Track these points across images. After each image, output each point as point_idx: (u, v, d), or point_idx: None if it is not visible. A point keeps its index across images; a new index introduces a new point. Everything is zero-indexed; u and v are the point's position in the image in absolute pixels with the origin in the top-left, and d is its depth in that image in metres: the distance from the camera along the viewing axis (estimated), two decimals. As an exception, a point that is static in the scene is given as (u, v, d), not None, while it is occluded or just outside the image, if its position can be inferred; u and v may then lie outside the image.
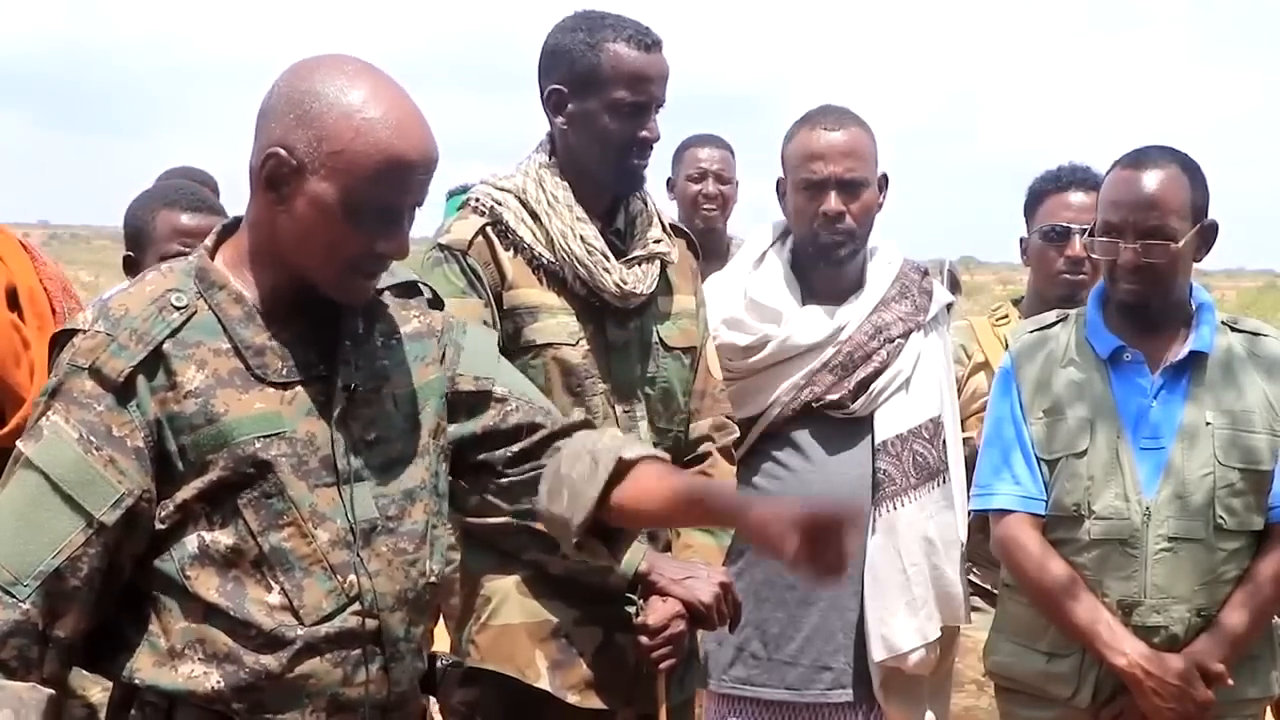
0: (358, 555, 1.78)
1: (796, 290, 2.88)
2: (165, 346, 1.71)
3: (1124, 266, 2.59)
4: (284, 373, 1.76)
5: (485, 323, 2.44)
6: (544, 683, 2.45)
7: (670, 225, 2.68)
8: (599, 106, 2.47)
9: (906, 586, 2.81)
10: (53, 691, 1.68)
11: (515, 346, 2.45)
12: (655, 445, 2.55)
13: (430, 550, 1.87)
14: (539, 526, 2.39)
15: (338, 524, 1.77)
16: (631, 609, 2.47)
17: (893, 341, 2.85)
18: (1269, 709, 2.89)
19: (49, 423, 1.69)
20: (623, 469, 1.90)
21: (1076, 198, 3.31)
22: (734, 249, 4.42)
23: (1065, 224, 3.29)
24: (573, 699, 2.46)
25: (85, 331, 1.72)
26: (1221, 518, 2.58)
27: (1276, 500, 2.61)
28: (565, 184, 2.53)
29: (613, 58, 2.46)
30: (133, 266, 2.90)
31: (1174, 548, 2.57)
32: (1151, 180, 2.58)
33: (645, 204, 2.63)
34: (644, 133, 2.48)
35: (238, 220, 1.84)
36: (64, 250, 29.00)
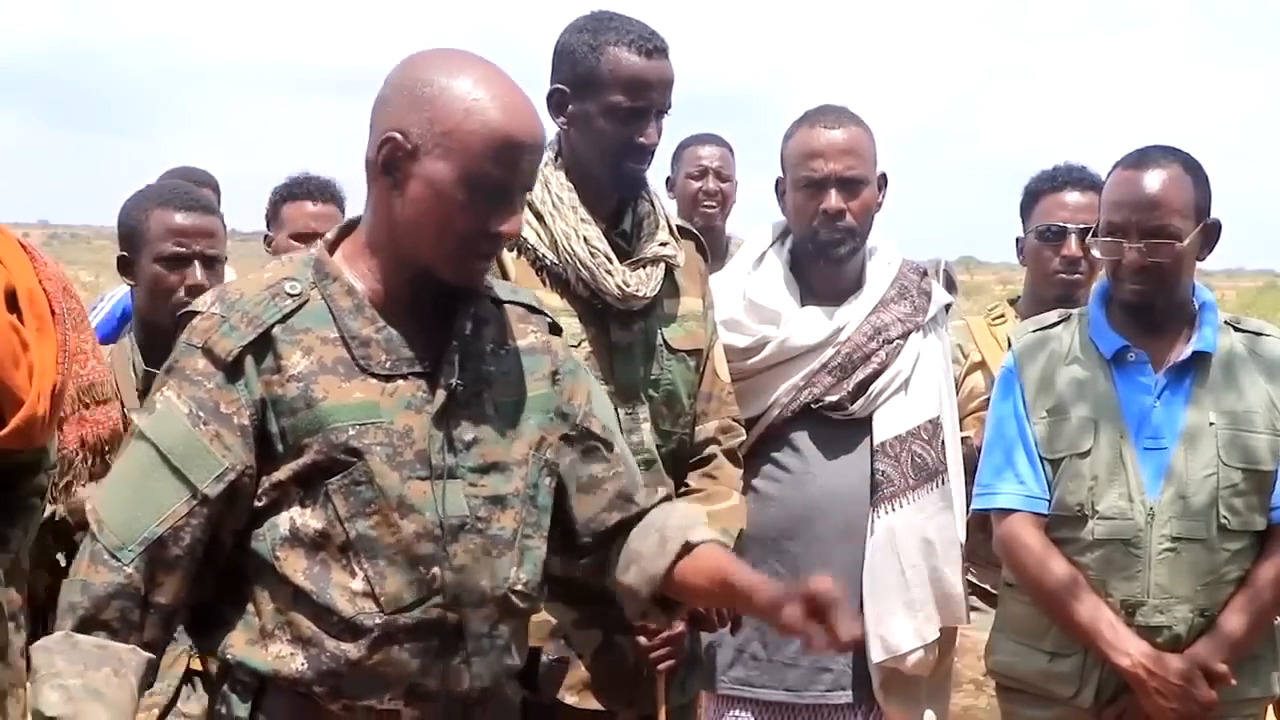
0: (443, 550, 1.80)
1: (795, 291, 2.88)
2: (275, 331, 1.77)
3: (1128, 266, 2.59)
4: (387, 365, 1.81)
5: None
6: None
7: (679, 227, 2.67)
8: (596, 109, 2.47)
9: (905, 587, 2.81)
10: (152, 655, 1.77)
11: None
12: (659, 447, 2.56)
13: (519, 558, 1.88)
14: None
15: (426, 517, 1.79)
16: None
17: (891, 342, 2.85)
18: (1270, 709, 2.88)
19: (162, 397, 1.78)
20: (686, 551, 1.96)
21: (1072, 197, 3.32)
22: (733, 248, 4.42)
23: (1061, 224, 3.29)
24: (571, 700, 2.46)
25: (203, 313, 1.80)
26: (1225, 518, 2.58)
27: (1278, 501, 2.61)
28: (570, 185, 2.53)
29: (612, 61, 2.45)
30: (127, 266, 2.89)
31: (1177, 548, 2.57)
32: (1154, 180, 2.58)
33: (653, 206, 2.62)
34: (640, 138, 2.48)
35: (359, 218, 1.90)
36: (64, 250, 28.99)
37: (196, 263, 2.81)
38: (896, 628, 2.80)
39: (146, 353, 2.83)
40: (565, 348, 2.02)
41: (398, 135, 1.77)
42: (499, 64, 1.86)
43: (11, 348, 2.15)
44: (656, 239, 2.58)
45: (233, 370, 1.76)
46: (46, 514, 2.53)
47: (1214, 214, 2.64)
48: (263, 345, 1.77)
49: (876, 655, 2.80)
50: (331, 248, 1.88)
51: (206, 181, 4.28)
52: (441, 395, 1.82)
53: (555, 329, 2.02)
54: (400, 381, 1.80)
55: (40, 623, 2.76)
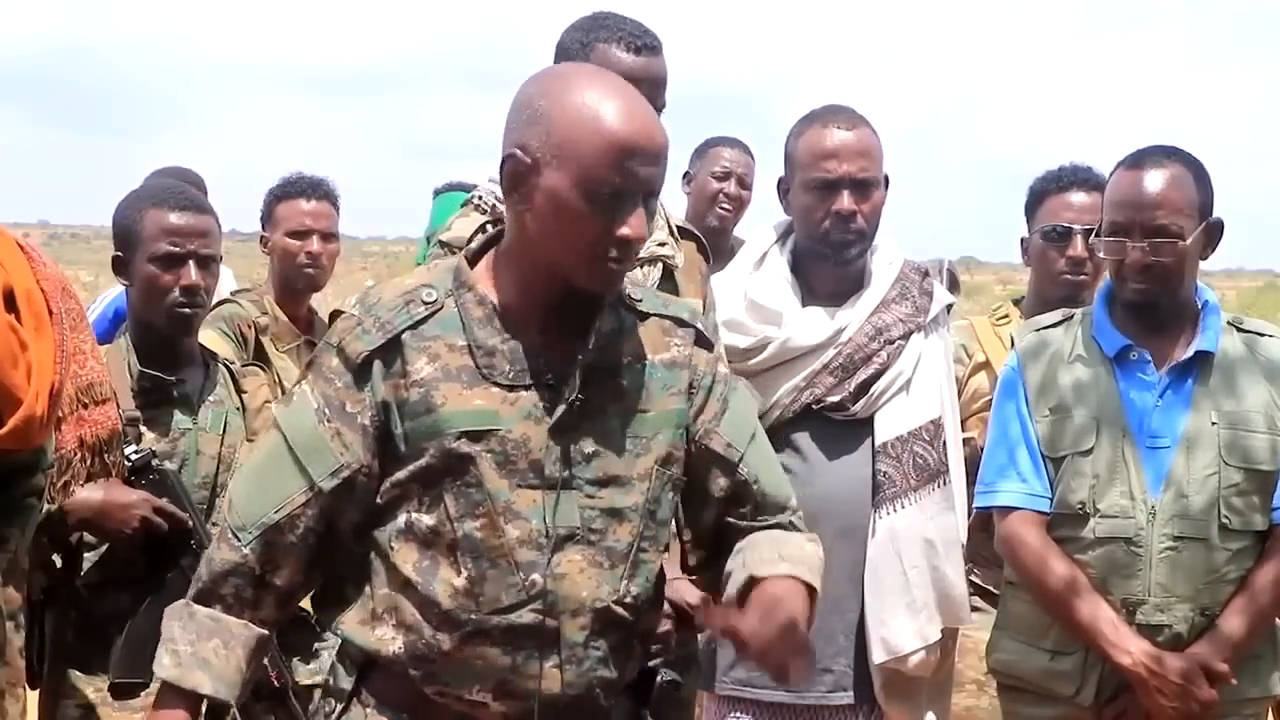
0: (546, 558, 1.84)
1: (797, 291, 2.87)
2: (404, 336, 1.84)
3: (1131, 266, 2.58)
4: (511, 375, 1.86)
5: None
6: None
7: (678, 228, 2.66)
8: None
9: (907, 588, 2.80)
10: (264, 632, 1.89)
11: None
12: None
13: (631, 571, 1.90)
14: None
15: (532, 524, 1.84)
16: None
17: (893, 343, 2.84)
18: (1270, 709, 2.88)
19: (299, 390, 1.89)
20: (752, 583, 1.91)
21: (1078, 198, 3.31)
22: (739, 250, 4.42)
23: (1066, 224, 3.28)
24: None
25: (346, 312, 1.90)
26: (1226, 518, 2.58)
27: (1279, 501, 2.61)
28: None
29: (600, 58, 2.45)
30: (122, 267, 2.88)
31: (1178, 547, 2.57)
32: (1156, 179, 2.57)
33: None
34: None
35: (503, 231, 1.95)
36: (64, 250, 28.98)
37: (191, 262, 2.80)
38: (898, 629, 2.80)
39: (141, 353, 2.82)
40: (711, 361, 2.02)
41: (518, 151, 1.82)
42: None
43: (10, 348, 2.15)
44: (655, 239, 2.57)
45: (361, 371, 1.84)
46: (43, 514, 2.53)
47: (1215, 213, 2.64)
48: (392, 350, 1.84)
49: (878, 656, 2.79)
50: (475, 258, 1.93)
51: (194, 181, 4.27)
52: (561, 408, 1.86)
53: (704, 342, 2.02)
54: (523, 392, 1.86)
55: (38, 622, 2.76)
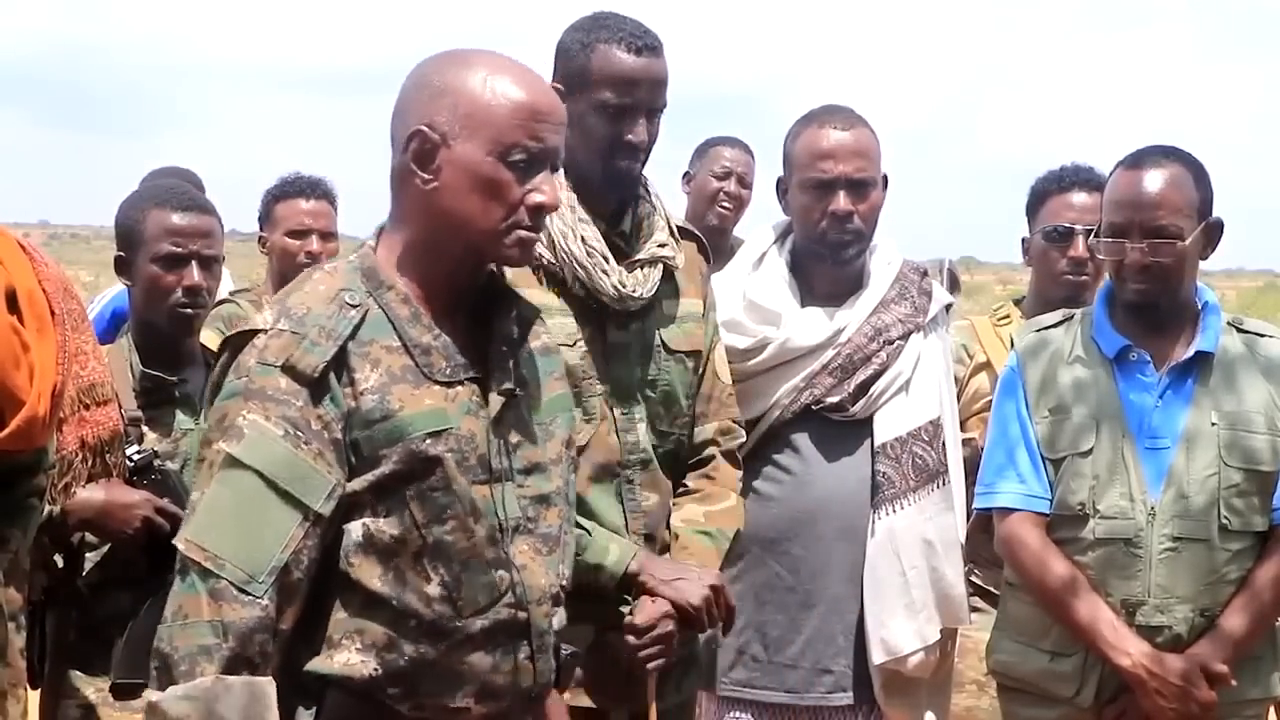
0: (505, 552, 1.85)
1: (796, 292, 2.88)
2: (348, 345, 1.78)
3: (1131, 267, 2.59)
4: (448, 372, 1.83)
5: None
6: None
7: (679, 228, 2.67)
8: (586, 107, 2.47)
9: (906, 589, 2.80)
10: (273, 683, 1.74)
11: None
12: (656, 448, 2.56)
13: (563, 554, 1.96)
14: None
15: (489, 520, 1.84)
16: (625, 609, 2.46)
17: (892, 343, 2.85)
18: (1271, 709, 2.88)
19: (247, 422, 1.74)
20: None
21: (1079, 198, 3.31)
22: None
23: (1068, 224, 3.28)
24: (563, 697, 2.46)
25: (268, 332, 1.77)
26: (1226, 518, 2.58)
27: (1279, 502, 2.61)
28: (569, 184, 2.53)
29: (601, 58, 2.45)
30: (124, 267, 2.88)
31: (1178, 548, 2.58)
32: (1155, 180, 2.58)
33: (654, 207, 2.62)
34: (629, 136, 2.47)
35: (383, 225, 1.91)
36: (64, 250, 29.00)
37: (194, 263, 2.80)
38: (897, 629, 2.80)
39: (144, 353, 2.83)
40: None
41: (424, 128, 1.80)
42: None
43: (12, 349, 2.15)
44: (655, 239, 2.57)
45: (318, 386, 1.76)
46: (44, 514, 2.53)
47: (1215, 213, 2.64)
48: (340, 359, 1.78)
49: (877, 657, 2.80)
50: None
51: (193, 181, 4.28)
52: (497, 400, 1.86)
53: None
54: (459, 387, 1.84)
55: (39, 622, 2.76)
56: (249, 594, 1.70)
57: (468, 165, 1.80)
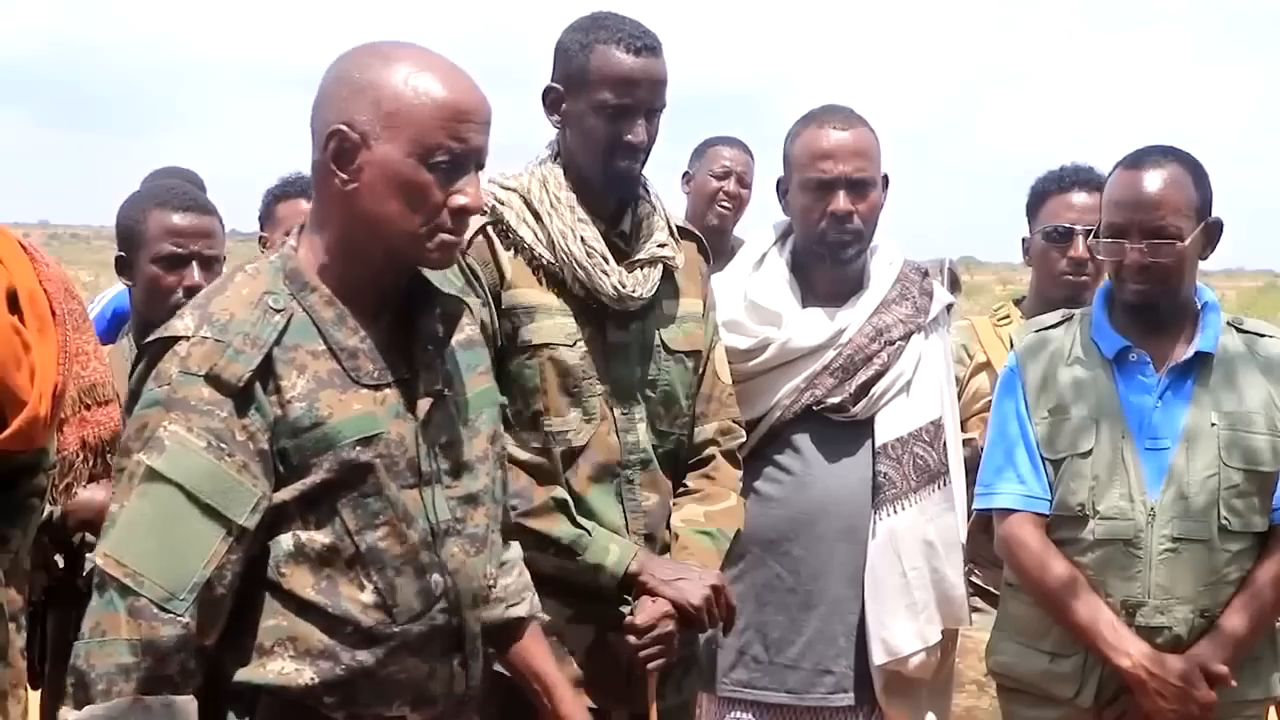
0: (437, 556, 1.82)
1: (797, 292, 2.88)
2: (274, 351, 1.72)
3: (1130, 267, 2.59)
4: (375, 375, 1.79)
5: (484, 322, 2.44)
6: None
7: (679, 228, 2.67)
8: (586, 107, 2.47)
9: (907, 590, 2.80)
10: (194, 702, 1.70)
11: (512, 346, 2.46)
12: (656, 448, 2.57)
13: (490, 554, 1.93)
14: (530, 524, 2.39)
15: (421, 525, 1.81)
16: (626, 609, 2.46)
17: (893, 344, 2.84)
18: (1271, 710, 2.88)
19: (168, 433, 1.67)
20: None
21: (1079, 198, 3.31)
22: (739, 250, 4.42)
23: (1068, 224, 3.28)
24: None
25: (190, 339, 1.71)
26: (1226, 519, 2.58)
27: (1279, 502, 2.61)
28: (569, 184, 2.53)
29: (600, 59, 2.45)
30: (125, 267, 2.89)
31: (1178, 548, 2.57)
32: (1154, 180, 2.58)
33: (654, 207, 2.62)
34: (628, 136, 2.47)
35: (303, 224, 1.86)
36: (64, 250, 29.00)
37: (194, 263, 2.81)
38: (898, 630, 2.80)
39: (145, 353, 2.83)
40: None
41: (343, 127, 1.74)
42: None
43: (13, 349, 2.15)
44: (655, 240, 2.57)
45: (243, 395, 1.70)
46: (45, 514, 2.53)
47: (1215, 213, 2.64)
48: (265, 367, 1.72)
49: (878, 658, 2.79)
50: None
51: (194, 181, 4.28)
52: (425, 401, 1.83)
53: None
54: (387, 390, 1.80)
55: (40, 623, 2.76)
56: (169, 612, 1.64)
57: (388, 167, 1.74)
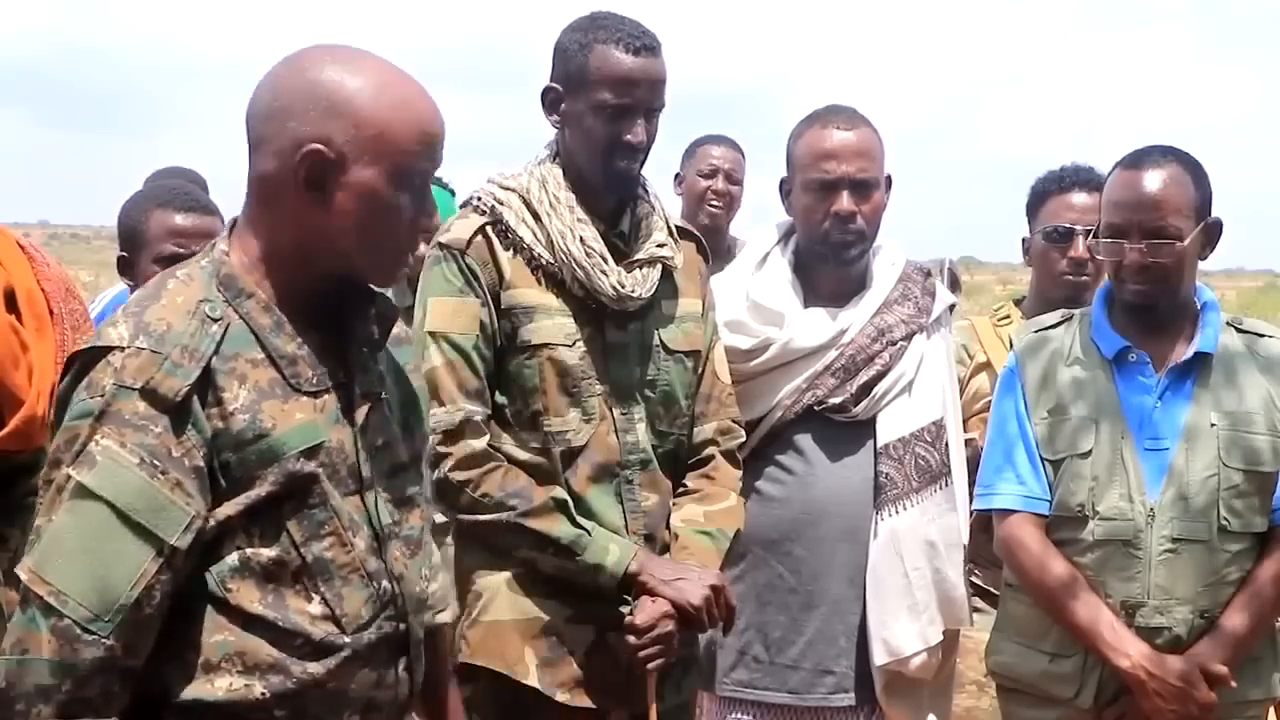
0: (382, 561, 1.79)
1: (799, 292, 2.88)
2: (213, 362, 1.66)
3: (1130, 267, 2.59)
4: (314, 381, 1.75)
5: (483, 323, 2.44)
6: (532, 680, 2.46)
7: (678, 228, 2.67)
8: (585, 107, 2.47)
9: (908, 590, 2.80)
10: None
11: (511, 346, 2.46)
12: (655, 448, 2.57)
13: (427, 555, 1.91)
14: (530, 524, 2.39)
15: (365, 531, 1.78)
16: (626, 609, 2.47)
17: (895, 344, 2.84)
18: (1271, 710, 2.88)
19: (100, 448, 1.61)
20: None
21: (1079, 198, 3.31)
22: (737, 249, 4.41)
23: (1068, 225, 3.28)
24: (561, 697, 2.47)
25: (125, 349, 1.64)
26: (1225, 519, 2.58)
27: (1279, 503, 2.61)
28: (568, 185, 2.53)
29: (599, 59, 2.46)
30: (127, 267, 2.89)
31: (1177, 549, 2.57)
32: (1154, 180, 2.57)
33: (653, 207, 2.62)
34: (627, 136, 2.47)
35: (235, 223, 1.81)
36: (64, 250, 29.02)
37: None
38: (900, 630, 2.79)
39: (147, 353, 2.83)
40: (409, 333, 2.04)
41: (320, 147, 1.68)
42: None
43: (11, 348, 2.15)
44: (654, 239, 2.58)
45: (180, 411, 1.63)
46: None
47: (1214, 213, 2.64)
48: (204, 380, 1.65)
49: (879, 658, 2.79)
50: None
51: (197, 182, 4.28)
52: (364, 406, 1.80)
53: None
54: (326, 396, 1.76)
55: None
56: (92, 633, 1.58)
57: (367, 192, 1.70)
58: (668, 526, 2.61)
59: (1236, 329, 2.69)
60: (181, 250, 2.81)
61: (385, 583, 1.79)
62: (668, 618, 2.45)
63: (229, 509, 1.67)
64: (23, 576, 1.61)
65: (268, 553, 1.69)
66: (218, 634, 1.68)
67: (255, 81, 1.78)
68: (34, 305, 2.24)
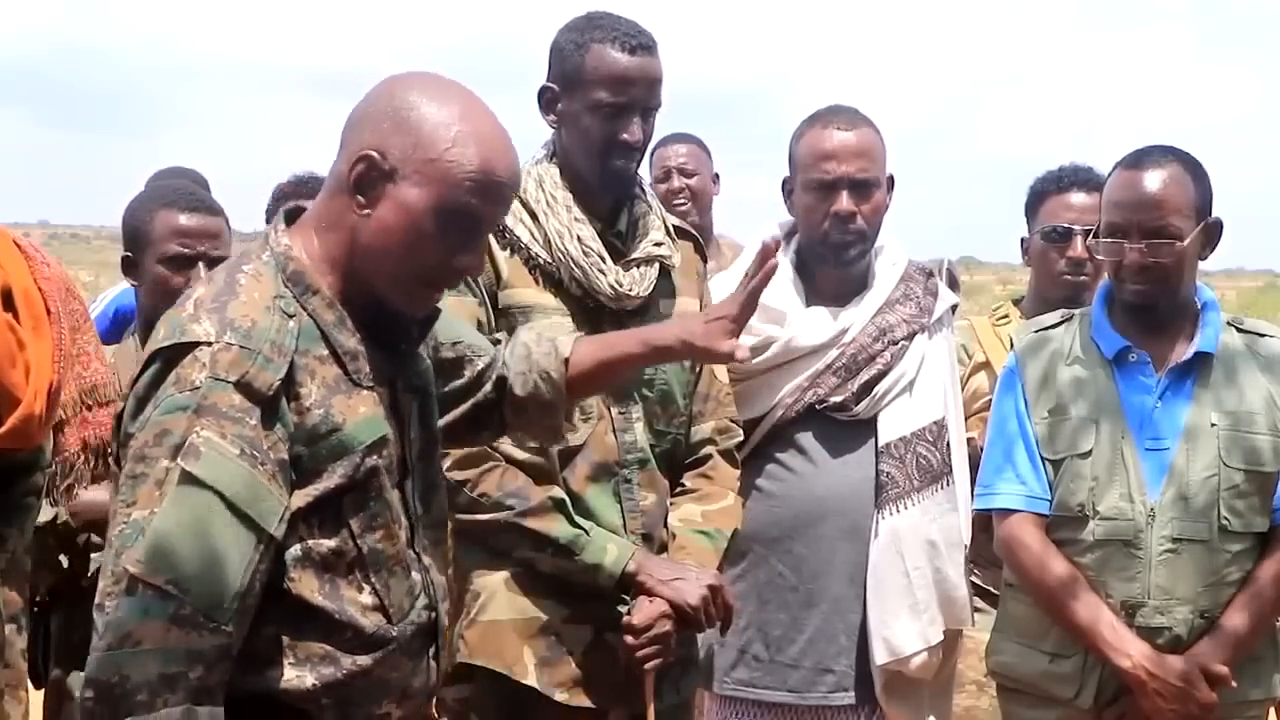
0: (415, 551, 1.84)
1: (801, 291, 2.88)
2: (294, 358, 1.70)
3: (1130, 267, 2.58)
4: (371, 376, 1.78)
5: (480, 321, 2.44)
6: (531, 679, 2.46)
7: (676, 228, 2.68)
8: (581, 107, 2.47)
9: (909, 590, 2.80)
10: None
11: None
12: (653, 447, 2.57)
13: (448, 541, 1.98)
14: (528, 524, 2.39)
15: (404, 522, 1.82)
16: (624, 609, 2.47)
17: (897, 344, 2.84)
18: (1272, 710, 2.88)
19: (202, 439, 1.63)
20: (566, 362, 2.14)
21: (1078, 198, 3.31)
22: (724, 248, 4.40)
23: (1067, 225, 3.28)
24: (560, 697, 2.47)
25: (214, 344, 1.66)
26: (1226, 519, 2.57)
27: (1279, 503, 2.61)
28: (565, 184, 2.54)
29: (595, 58, 2.46)
30: (131, 267, 2.89)
31: (1177, 549, 2.57)
32: (1154, 180, 2.57)
33: (650, 206, 2.63)
34: (624, 135, 2.47)
35: (290, 214, 1.85)
36: (64, 250, 29.01)
37: (201, 264, 2.81)
38: (900, 630, 2.79)
39: (150, 353, 2.83)
40: None
41: (375, 154, 1.73)
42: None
43: (8, 347, 2.15)
44: (651, 239, 2.58)
45: (271, 404, 1.67)
46: (49, 516, 2.54)
47: (1215, 213, 2.64)
48: (288, 375, 1.70)
49: (880, 657, 2.79)
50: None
51: (199, 182, 4.28)
52: (410, 399, 1.85)
53: None
54: (380, 390, 1.79)
55: (43, 623, 2.76)
56: (214, 621, 1.60)
57: (407, 210, 1.73)
58: (665, 526, 2.61)
59: (1237, 329, 2.69)
60: (186, 250, 2.81)
61: (417, 573, 1.83)
62: (665, 617, 2.45)
63: (298, 500, 1.70)
64: (131, 569, 1.60)
65: (328, 543, 1.73)
66: (272, 625, 1.70)
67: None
68: (31, 304, 2.24)
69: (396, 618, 1.78)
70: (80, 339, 2.38)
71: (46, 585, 2.70)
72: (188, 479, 1.62)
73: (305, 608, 1.72)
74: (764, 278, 2.08)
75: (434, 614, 1.86)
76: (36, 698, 2.62)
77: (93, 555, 2.74)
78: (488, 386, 2.11)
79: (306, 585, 1.72)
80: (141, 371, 1.70)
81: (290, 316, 1.72)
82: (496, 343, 2.19)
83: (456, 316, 2.15)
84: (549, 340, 2.16)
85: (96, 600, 1.63)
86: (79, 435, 2.42)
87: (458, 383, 2.09)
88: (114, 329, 3.57)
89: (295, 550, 1.71)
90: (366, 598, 1.76)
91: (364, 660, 1.75)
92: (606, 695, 2.50)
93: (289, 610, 1.71)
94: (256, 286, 1.74)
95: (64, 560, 2.71)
